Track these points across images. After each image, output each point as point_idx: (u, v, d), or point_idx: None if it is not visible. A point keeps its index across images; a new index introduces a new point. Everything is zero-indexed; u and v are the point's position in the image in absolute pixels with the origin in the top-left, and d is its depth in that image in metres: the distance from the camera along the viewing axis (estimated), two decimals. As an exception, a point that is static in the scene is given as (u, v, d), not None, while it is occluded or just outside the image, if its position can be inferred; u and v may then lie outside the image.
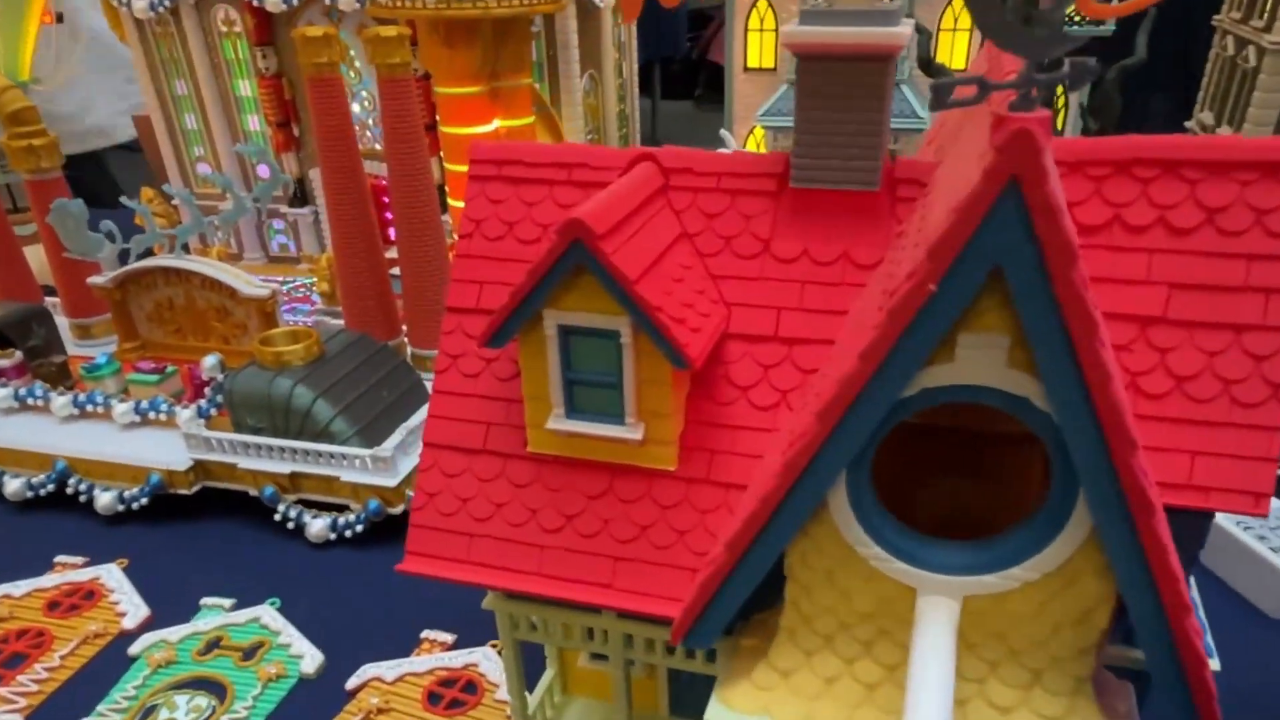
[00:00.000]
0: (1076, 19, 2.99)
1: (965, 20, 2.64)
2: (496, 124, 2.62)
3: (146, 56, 3.26)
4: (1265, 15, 2.52)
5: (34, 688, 1.66)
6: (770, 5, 2.72)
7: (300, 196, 3.28)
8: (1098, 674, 0.95)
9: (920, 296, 0.75)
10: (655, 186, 1.11)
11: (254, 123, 3.30)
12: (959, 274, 0.74)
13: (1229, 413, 0.99)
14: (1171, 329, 0.99)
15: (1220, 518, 1.89)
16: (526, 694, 1.35)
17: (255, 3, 2.96)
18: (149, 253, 2.46)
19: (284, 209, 3.24)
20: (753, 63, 2.79)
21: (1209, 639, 1.21)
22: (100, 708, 1.61)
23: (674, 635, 1.00)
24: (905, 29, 0.99)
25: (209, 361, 2.12)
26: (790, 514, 0.89)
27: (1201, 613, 1.30)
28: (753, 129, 2.82)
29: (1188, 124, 3.10)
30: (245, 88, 3.24)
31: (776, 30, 2.73)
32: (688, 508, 1.07)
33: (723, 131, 2.46)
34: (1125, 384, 0.98)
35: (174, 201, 2.52)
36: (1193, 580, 1.31)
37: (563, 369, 1.05)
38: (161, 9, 3.09)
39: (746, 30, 2.75)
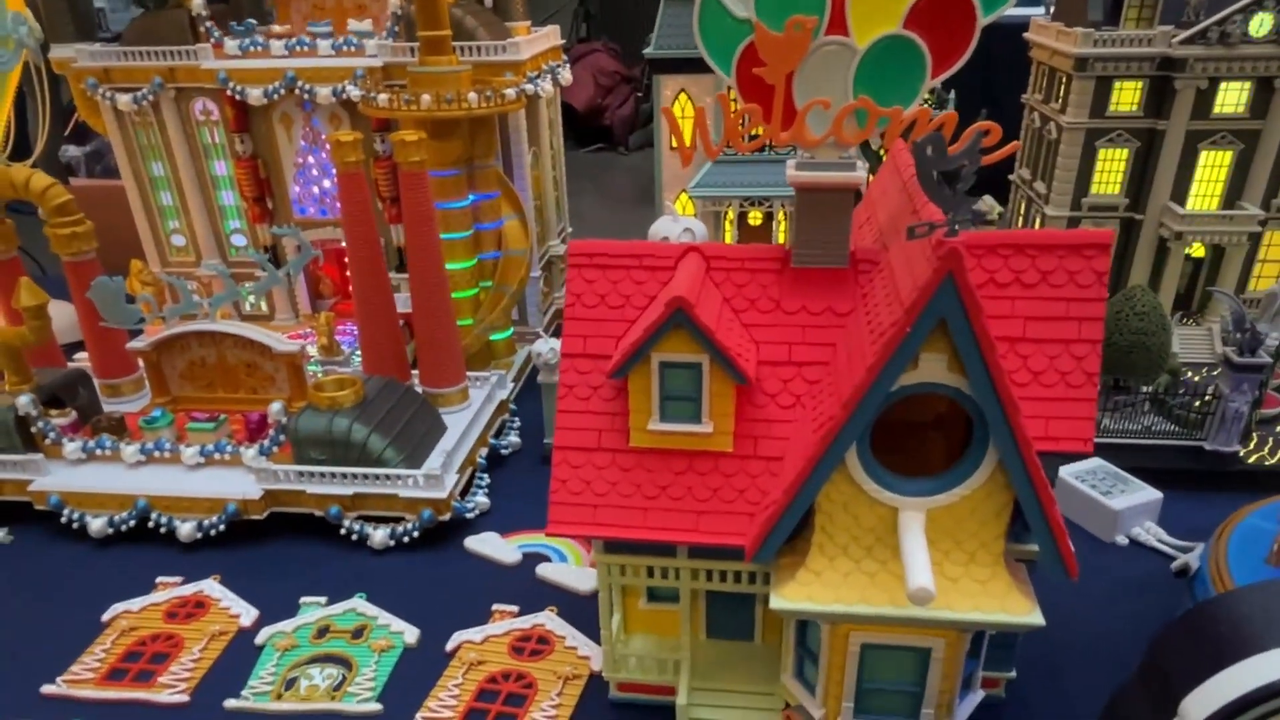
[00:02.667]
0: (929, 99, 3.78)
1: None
2: (472, 198, 3.14)
3: (125, 142, 3.60)
4: (1060, 100, 3.33)
5: (186, 674, 2.08)
6: (689, 97, 3.38)
7: (274, 261, 3.67)
8: (1007, 557, 1.56)
9: (901, 334, 1.35)
10: (704, 269, 1.70)
11: (228, 198, 3.69)
12: (922, 322, 1.34)
13: (1065, 392, 1.63)
14: (1028, 344, 1.63)
15: (1066, 475, 2.60)
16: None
17: (236, 97, 3.37)
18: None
19: (258, 273, 3.61)
20: (675, 144, 3.42)
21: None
22: (250, 683, 2.04)
23: (747, 555, 1.56)
24: (861, 173, 1.62)
25: (275, 407, 2.55)
26: (824, 468, 1.46)
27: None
28: (678, 195, 3.45)
29: (1010, 176, 3.92)
30: (221, 168, 3.63)
31: (695, 115, 3.37)
32: (743, 475, 1.64)
33: (666, 202, 3.06)
34: (1004, 379, 1.62)
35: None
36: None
37: (660, 390, 1.61)
38: (144, 103, 3.45)
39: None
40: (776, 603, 1.56)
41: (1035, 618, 1.50)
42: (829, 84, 1.57)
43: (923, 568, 1.38)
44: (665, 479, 1.66)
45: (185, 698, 2.02)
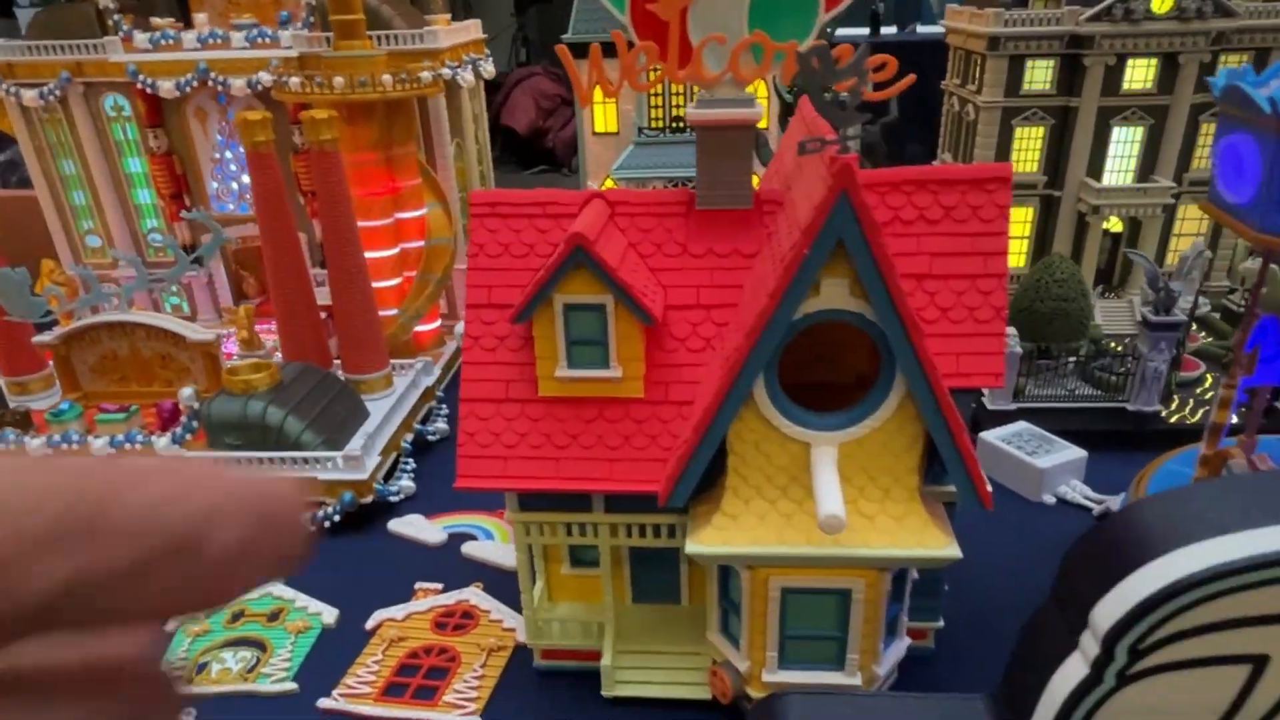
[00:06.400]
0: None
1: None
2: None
3: (33, 140, 3.50)
4: (976, 82, 3.39)
5: (90, 666, 1.98)
6: (607, 81, 3.38)
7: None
8: (925, 495, 1.55)
9: (800, 257, 1.34)
10: (607, 214, 1.67)
11: (144, 196, 3.60)
12: (820, 244, 1.33)
13: (973, 328, 1.63)
14: (935, 280, 1.63)
15: (992, 438, 2.61)
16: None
17: (148, 90, 3.29)
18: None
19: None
20: (599, 129, 3.43)
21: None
22: (158, 670, 1.96)
23: (661, 498, 1.53)
24: (758, 109, 1.61)
25: (186, 393, 2.47)
26: (732, 402, 1.44)
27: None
28: (604, 180, 3.43)
29: (934, 163, 3.97)
30: (135, 165, 3.54)
31: (617, 104, 3.39)
32: (654, 420, 1.61)
33: (590, 186, 3.06)
34: (912, 315, 1.61)
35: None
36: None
37: (565, 334, 1.58)
38: (51, 98, 3.36)
39: (592, 105, 3.40)
40: (692, 548, 1.53)
41: (952, 550, 1.48)
42: (724, 20, 1.56)
43: (833, 496, 1.36)
44: (575, 428, 1.62)
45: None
